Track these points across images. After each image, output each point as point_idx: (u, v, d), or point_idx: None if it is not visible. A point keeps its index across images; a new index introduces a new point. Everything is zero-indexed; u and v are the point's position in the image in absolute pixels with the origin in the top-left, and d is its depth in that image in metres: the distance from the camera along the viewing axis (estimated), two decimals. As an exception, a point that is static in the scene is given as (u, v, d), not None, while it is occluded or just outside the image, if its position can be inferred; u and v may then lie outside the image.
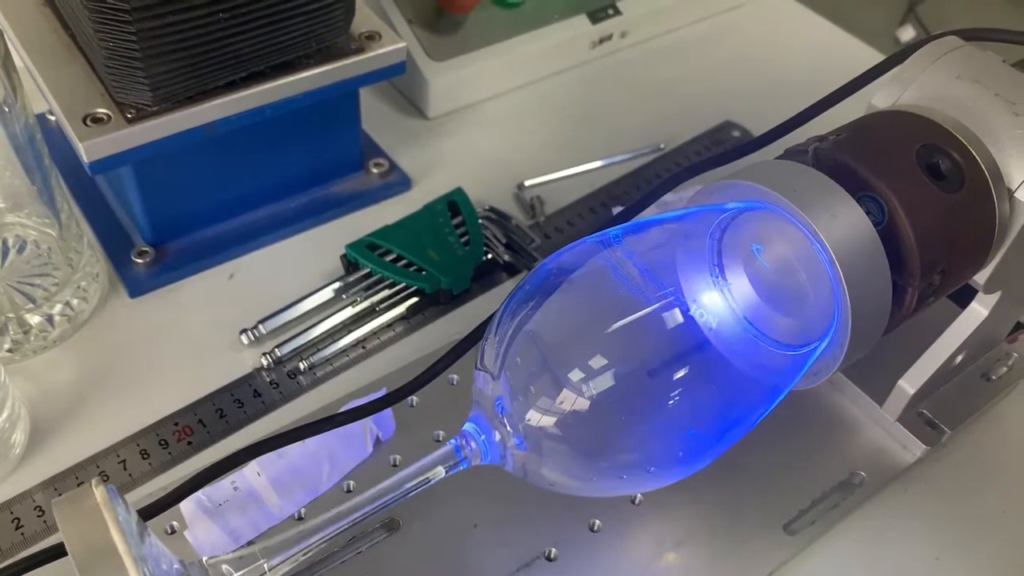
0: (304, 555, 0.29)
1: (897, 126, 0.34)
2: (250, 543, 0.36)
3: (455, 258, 0.47)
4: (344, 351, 0.44)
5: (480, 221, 0.49)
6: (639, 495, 0.38)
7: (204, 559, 0.27)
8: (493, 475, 0.34)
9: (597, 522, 0.37)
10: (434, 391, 0.39)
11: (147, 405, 0.42)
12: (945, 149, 0.33)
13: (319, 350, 0.44)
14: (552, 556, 0.36)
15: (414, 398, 0.41)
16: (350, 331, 0.45)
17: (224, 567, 0.27)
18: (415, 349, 0.45)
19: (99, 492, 0.23)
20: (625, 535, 0.37)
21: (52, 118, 0.52)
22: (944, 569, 0.38)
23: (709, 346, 0.32)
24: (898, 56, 0.38)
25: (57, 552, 0.30)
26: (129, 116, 0.41)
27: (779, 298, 0.32)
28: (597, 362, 0.30)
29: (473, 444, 0.32)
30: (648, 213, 0.37)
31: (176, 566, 0.26)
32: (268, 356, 0.43)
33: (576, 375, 0.30)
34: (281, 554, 0.28)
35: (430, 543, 0.36)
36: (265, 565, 0.28)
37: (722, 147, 0.57)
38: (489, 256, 0.48)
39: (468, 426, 0.32)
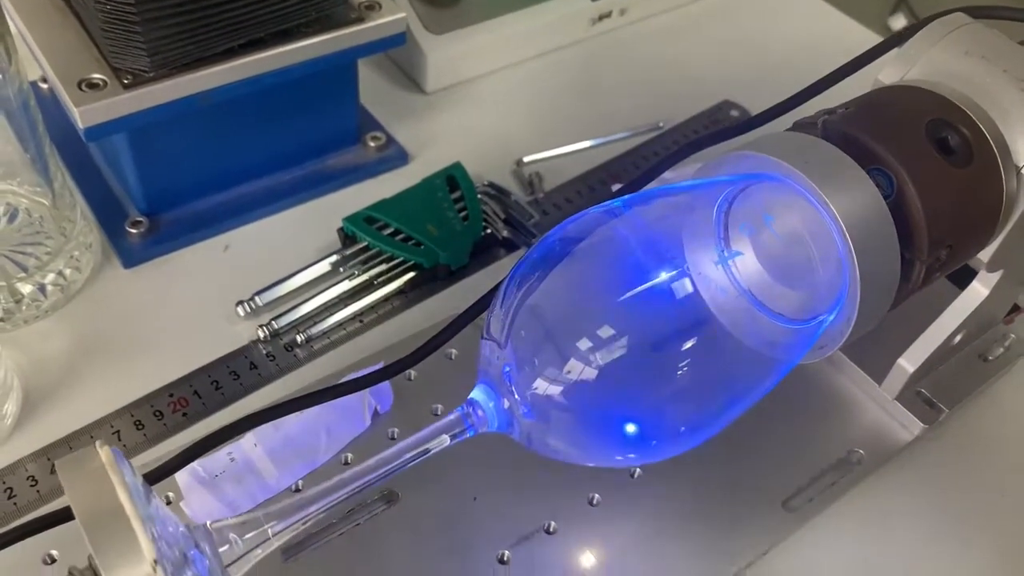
0: (304, 524, 0.29)
1: (906, 100, 0.34)
2: (247, 514, 0.35)
3: (453, 233, 0.47)
4: (341, 324, 0.44)
5: (479, 196, 0.49)
6: (638, 470, 0.38)
7: (209, 523, 0.27)
8: (493, 447, 0.34)
9: (596, 496, 0.37)
10: (432, 365, 0.39)
11: (141, 376, 0.41)
12: (954, 124, 0.32)
13: (316, 323, 0.43)
14: (551, 529, 0.36)
15: (412, 372, 0.40)
16: (347, 305, 0.44)
17: (229, 533, 0.27)
18: (412, 324, 0.44)
19: (104, 452, 0.22)
20: (623, 509, 0.37)
21: (45, 86, 0.51)
22: (941, 546, 0.38)
23: (714, 319, 0.32)
24: (902, 34, 0.38)
25: (55, 519, 0.30)
26: (126, 82, 0.41)
27: (785, 271, 0.32)
28: (604, 332, 0.30)
29: (480, 412, 0.31)
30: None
31: (182, 529, 0.25)
32: (264, 328, 0.43)
33: (583, 344, 0.30)
34: (284, 520, 0.28)
35: (429, 515, 0.36)
36: (269, 530, 0.27)
37: (721, 126, 0.57)
38: (488, 231, 0.48)
39: (476, 393, 0.31)
